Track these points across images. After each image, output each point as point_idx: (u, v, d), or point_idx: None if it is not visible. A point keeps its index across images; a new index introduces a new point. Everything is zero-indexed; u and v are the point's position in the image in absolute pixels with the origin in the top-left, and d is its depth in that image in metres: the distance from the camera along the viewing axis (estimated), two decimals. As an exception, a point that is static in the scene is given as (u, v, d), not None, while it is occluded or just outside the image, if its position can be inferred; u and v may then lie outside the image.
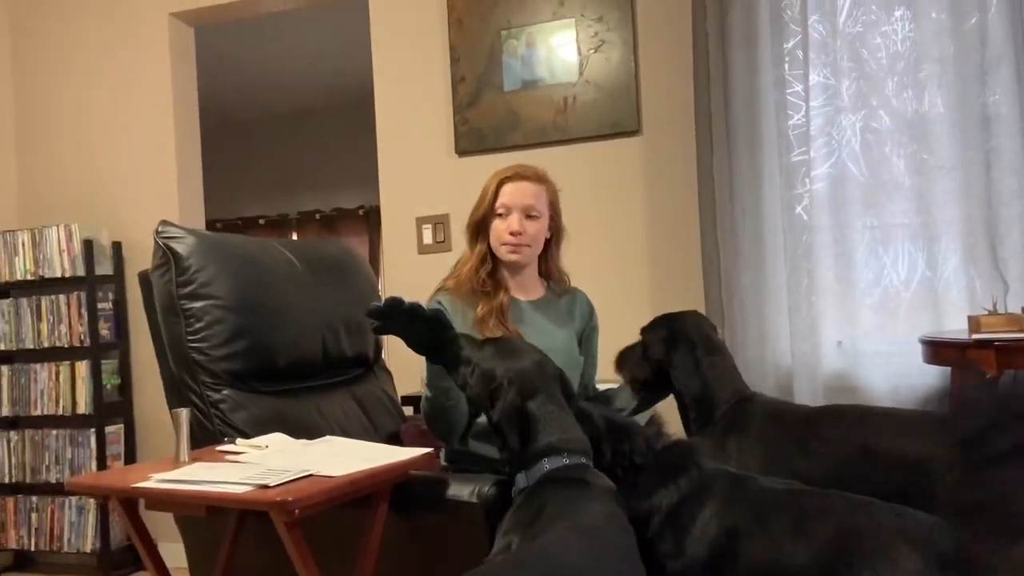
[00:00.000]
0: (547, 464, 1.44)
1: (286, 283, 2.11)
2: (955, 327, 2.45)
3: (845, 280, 2.67)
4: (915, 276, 2.63)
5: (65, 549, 3.49)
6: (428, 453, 1.65)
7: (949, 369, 2.42)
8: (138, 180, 3.62)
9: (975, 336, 2.15)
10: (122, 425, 3.56)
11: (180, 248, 1.94)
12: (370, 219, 6.48)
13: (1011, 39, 2.46)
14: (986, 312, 2.28)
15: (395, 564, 1.68)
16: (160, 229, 1.96)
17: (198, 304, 1.90)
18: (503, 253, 1.98)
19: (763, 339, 2.74)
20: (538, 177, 2.02)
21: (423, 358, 1.99)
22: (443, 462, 2.03)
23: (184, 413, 1.64)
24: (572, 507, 1.32)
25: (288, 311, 2.06)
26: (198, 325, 1.89)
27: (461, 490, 1.64)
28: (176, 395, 1.91)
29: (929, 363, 2.37)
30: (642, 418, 1.83)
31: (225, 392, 1.90)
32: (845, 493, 1.37)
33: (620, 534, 1.31)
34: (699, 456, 1.49)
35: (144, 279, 2.02)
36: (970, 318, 2.25)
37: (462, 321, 1.90)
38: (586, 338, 2.12)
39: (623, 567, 1.25)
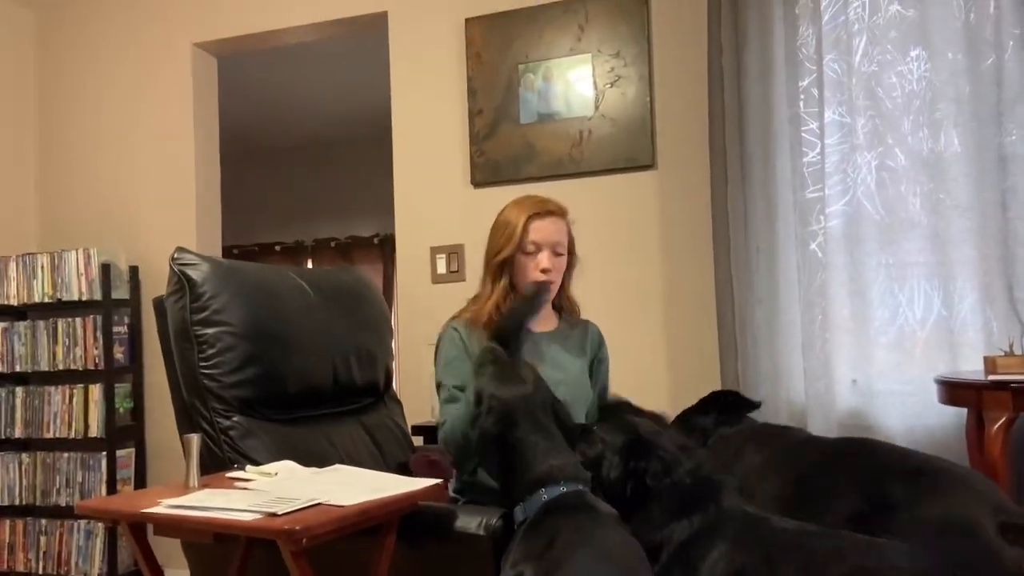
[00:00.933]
0: (545, 494, 1.45)
1: (299, 311, 2.12)
2: (971, 367, 2.43)
3: (860, 318, 2.65)
4: (931, 315, 2.61)
5: (72, 573, 3.47)
6: (437, 484, 1.65)
7: (965, 410, 2.40)
8: (157, 205, 3.67)
9: (991, 377, 2.13)
10: (133, 449, 3.57)
11: (195, 275, 1.95)
12: (385, 247, 6.52)
13: (1028, 79, 2.47)
14: (1003, 353, 2.25)
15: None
16: (176, 256, 1.98)
17: (211, 331, 1.91)
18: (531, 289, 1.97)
19: (776, 377, 2.72)
20: (561, 211, 2.02)
21: (432, 387, 2.00)
22: (452, 493, 2.02)
23: (195, 439, 1.64)
24: (587, 534, 1.32)
25: (300, 339, 2.07)
26: (210, 351, 1.90)
27: (469, 522, 1.63)
28: (187, 421, 1.92)
29: (945, 404, 2.34)
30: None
31: (235, 419, 1.90)
32: (856, 534, 1.35)
33: (640, 561, 1.31)
34: (719, 490, 1.47)
35: (159, 305, 2.04)
36: (986, 359, 2.23)
37: (477, 352, 1.90)
38: (595, 369, 2.11)
39: None
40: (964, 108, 2.56)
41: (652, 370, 2.99)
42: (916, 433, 2.53)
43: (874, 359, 2.65)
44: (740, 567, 1.33)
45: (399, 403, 2.56)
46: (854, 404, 2.64)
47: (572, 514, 1.41)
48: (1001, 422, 2.07)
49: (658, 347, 3.01)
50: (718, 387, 2.76)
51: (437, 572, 1.69)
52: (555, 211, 1.99)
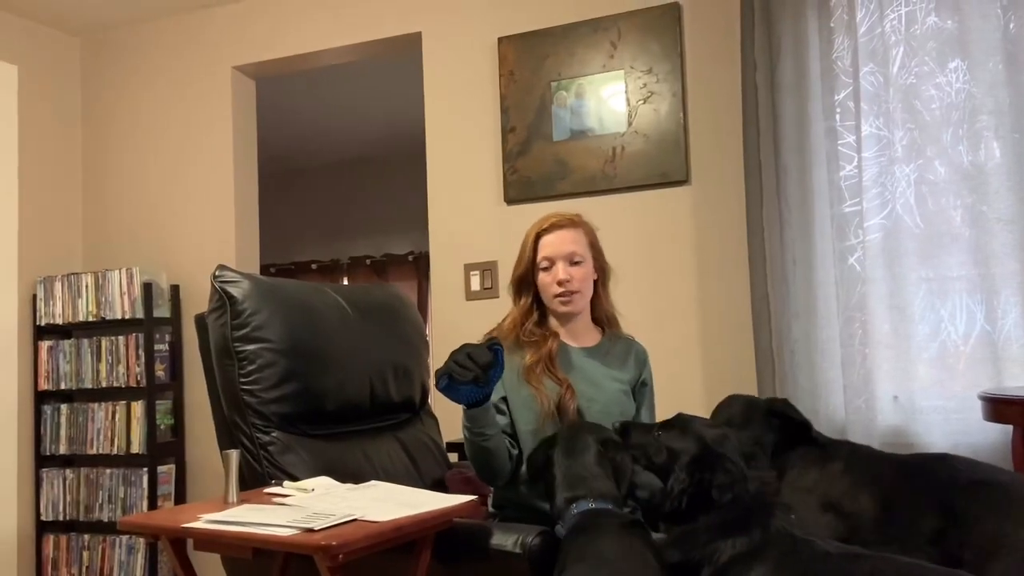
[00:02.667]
0: (575, 510, 1.53)
1: (337, 327, 2.14)
2: (1016, 383, 2.37)
3: (901, 333, 2.61)
4: (974, 330, 2.56)
5: (114, 587, 3.53)
6: (473, 500, 1.65)
7: (1011, 428, 2.34)
8: (198, 225, 3.74)
9: (1039, 394, 2.08)
10: (173, 465, 3.62)
11: (236, 292, 1.99)
12: (419, 264, 6.56)
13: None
14: (1050, 368, 2.20)
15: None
16: (217, 273, 2.02)
17: (251, 347, 1.94)
18: (556, 306, 1.98)
19: (815, 393, 2.68)
20: (572, 222, 2.02)
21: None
22: (490, 508, 2.02)
23: (234, 455, 1.67)
24: (588, 549, 1.43)
25: (338, 355, 2.09)
26: (250, 368, 1.93)
27: (505, 540, 1.63)
28: (227, 436, 1.95)
29: (989, 420, 2.29)
30: None
31: (274, 434, 1.93)
32: (898, 557, 1.33)
33: (637, 565, 1.39)
34: (771, 513, 1.45)
35: (200, 321, 2.08)
36: (1032, 374, 2.18)
37: (508, 369, 1.91)
38: (638, 391, 2.08)
39: None
40: (1004, 119, 2.52)
41: (688, 387, 2.96)
42: (960, 451, 2.45)
43: (916, 375, 2.60)
44: None
45: (435, 419, 2.56)
46: (896, 421, 2.59)
47: (585, 532, 1.49)
48: (1049, 440, 2.02)
49: (694, 363, 2.98)
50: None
51: (473, 589, 1.68)
52: (562, 224, 2.00)
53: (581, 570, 1.41)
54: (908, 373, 2.60)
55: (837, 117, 2.70)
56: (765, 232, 2.76)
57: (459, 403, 1.79)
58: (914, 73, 2.64)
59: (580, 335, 2.03)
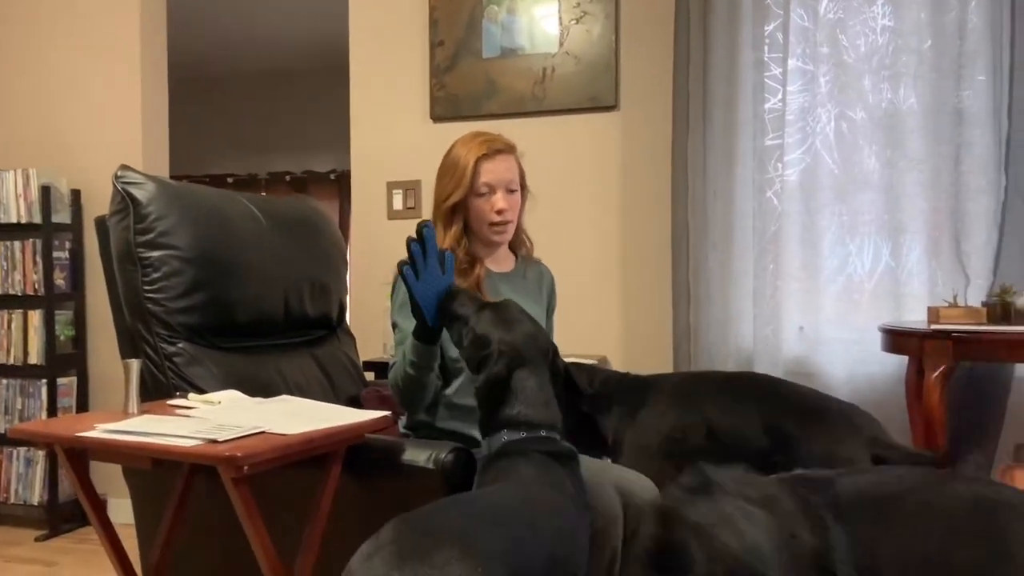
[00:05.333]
0: (505, 436, 1.46)
1: (249, 238, 2.06)
2: (916, 318, 2.48)
3: (810, 267, 2.70)
4: (879, 266, 2.66)
5: (12, 501, 3.42)
6: (386, 416, 1.63)
7: (906, 360, 2.46)
8: (101, 128, 3.51)
9: (933, 327, 2.18)
10: (75, 377, 3.49)
11: (140, 194, 1.88)
12: (342, 183, 6.39)
13: (988, 34, 2.48)
14: (946, 304, 2.31)
15: (348, 527, 1.66)
16: (120, 173, 1.89)
17: (156, 253, 1.85)
18: (490, 234, 1.92)
19: (727, 322, 2.75)
20: (510, 148, 1.96)
21: (387, 324, 1.96)
22: (402, 429, 2.01)
23: (135, 364, 1.60)
24: (510, 472, 1.40)
25: (250, 266, 2.01)
26: (155, 275, 1.84)
27: (418, 455, 1.62)
28: (130, 346, 1.86)
29: (887, 351, 2.40)
30: None
31: (181, 346, 1.86)
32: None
33: (546, 488, 1.38)
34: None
35: (101, 224, 1.96)
36: (930, 309, 2.28)
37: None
38: (550, 315, 2.09)
39: (546, 509, 1.34)
40: (925, 61, 2.57)
41: (605, 312, 3.00)
42: (858, 380, 2.60)
43: (822, 308, 2.70)
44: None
45: (352, 337, 2.52)
46: (800, 351, 2.70)
47: (511, 459, 1.45)
48: (940, 370, 2.13)
49: (612, 290, 3.01)
50: (670, 333, 2.80)
51: (384, 505, 1.67)
52: (505, 149, 1.93)
53: (495, 488, 1.40)
54: (815, 305, 2.70)
55: (766, 48, 2.70)
56: (689, 161, 2.77)
57: (422, 303, 1.69)
58: (842, 9, 2.66)
59: (500, 261, 2.01)
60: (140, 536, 1.93)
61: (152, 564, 1.73)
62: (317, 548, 1.56)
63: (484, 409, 1.51)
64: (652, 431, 1.79)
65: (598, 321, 2.98)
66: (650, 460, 1.77)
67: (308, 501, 1.60)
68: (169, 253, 1.86)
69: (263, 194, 6.61)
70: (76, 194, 3.50)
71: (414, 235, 1.66)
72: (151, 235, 1.86)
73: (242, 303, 1.99)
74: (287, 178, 6.61)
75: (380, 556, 1.12)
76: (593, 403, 1.85)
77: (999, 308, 2.17)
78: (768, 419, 1.67)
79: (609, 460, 1.89)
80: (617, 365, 2.86)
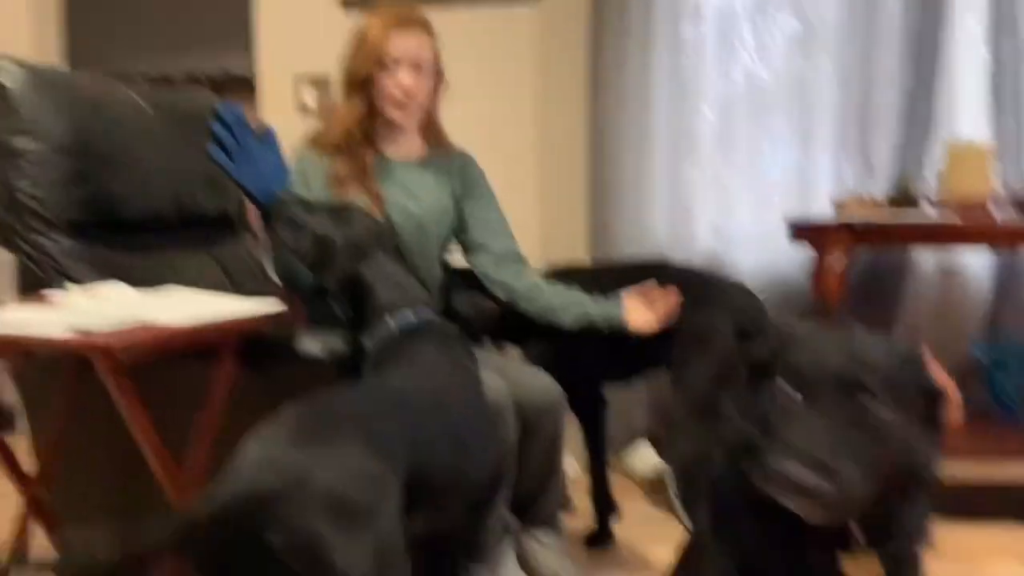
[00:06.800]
0: (391, 322, 1.45)
1: (134, 129, 1.94)
2: (825, 211, 2.52)
3: (725, 163, 2.70)
4: (790, 164, 2.68)
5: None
6: (284, 312, 1.59)
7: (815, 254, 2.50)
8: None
9: (834, 219, 2.22)
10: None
11: (8, 81, 1.74)
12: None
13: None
14: (850, 197, 2.35)
15: (245, 419, 1.64)
16: (-18, 57, 1.75)
17: (28, 143, 1.73)
18: (390, 110, 1.83)
19: (642, 222, 2.76)
20: (426, 25, 1.86)
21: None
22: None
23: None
24: (404, 354, 1.41)
25: (134, 157, 1.90)
26: (27, 166, 1.73)
27: (312, 345, 1.60)
28: (2, 241, 1.77)
29: (794, 241, 2.43)
30: None
31: (61, 241, 1.76)
32: None
33: (448, 368, 1.41)
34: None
35: (-36, 111, 1.82)
36: (833, 201, 2.32)
37: (316, 177, 1.81)
38: (475, 204, 1.98)
39: (450, 391, 1.37)
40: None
41: (520, 212, 2.94)
42: (767, 274, 2.65)
43: (734, 205, 2.72)
44: None
45: (258, 239, 2.44)
46: (713, 246, 2.72)
47: (408, 340, 1.46)
48: (841, 260, 2.17)
49: (529, 193, 2.97)
50: (585, 232, 2.80)
51: (279, 397, 1.65)
52: (420, 23, 1.85)
53: (397, 373, 1.40)
54: (727, 203, 2.71)
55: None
56: (609, 59, 2.71)
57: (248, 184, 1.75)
58: None
59: (402, 146, 1.93)
60: (33, 443, 1.87)
61: (42, 465, 1.69)
62: (208, 441, 1.54)
63: (350, 305, 1.52)
64: None
65: (514, 227, 2.94)
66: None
67: (202, 393, 1.57)
68: (43, 144, 1.74)
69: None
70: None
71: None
72: (22, 124, 1.73)
73: (127, 197, 1.88)
74: (204, 79, 6.30)
75: (277, 437, 1.10)
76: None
77: (901, 197, 2.22)
78: None
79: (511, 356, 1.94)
80: (534, 261, 2.84)
